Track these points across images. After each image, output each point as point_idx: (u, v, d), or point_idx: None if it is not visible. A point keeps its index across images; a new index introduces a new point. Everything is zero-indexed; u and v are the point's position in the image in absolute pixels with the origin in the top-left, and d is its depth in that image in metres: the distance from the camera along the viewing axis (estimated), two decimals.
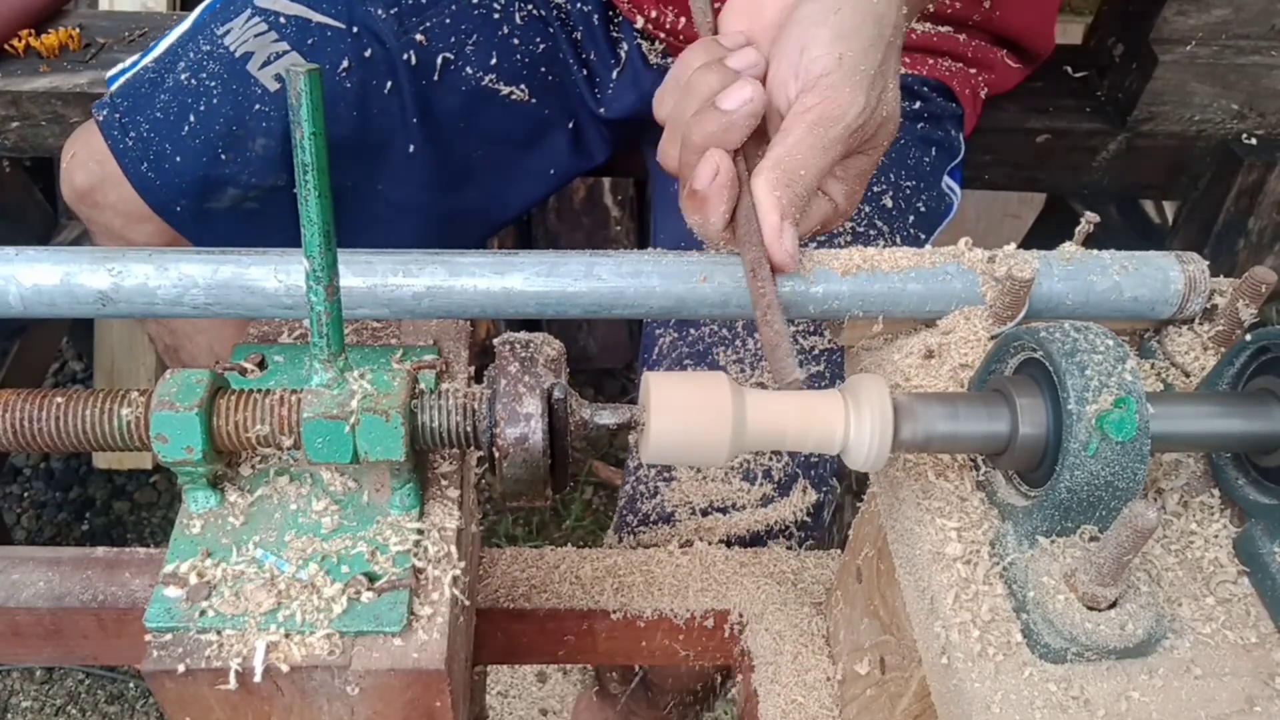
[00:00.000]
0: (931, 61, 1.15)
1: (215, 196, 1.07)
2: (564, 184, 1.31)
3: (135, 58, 1.16)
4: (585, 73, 1.20)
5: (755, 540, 0.96)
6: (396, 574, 0.57)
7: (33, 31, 1.36)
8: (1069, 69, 1.48)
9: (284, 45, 1.06)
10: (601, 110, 1.21)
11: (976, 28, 1.16)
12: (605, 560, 0.88)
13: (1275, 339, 0.57)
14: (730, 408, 0.54)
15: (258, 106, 1.04)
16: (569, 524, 2.01)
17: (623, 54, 1.19)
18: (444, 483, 0.62)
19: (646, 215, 2.17)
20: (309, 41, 1.07)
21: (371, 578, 0.56)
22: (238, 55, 1.06)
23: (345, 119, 1.08)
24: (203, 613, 0.54)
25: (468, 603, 0.69)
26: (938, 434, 0.55)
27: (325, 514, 0.59)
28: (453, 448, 0.57)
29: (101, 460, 2.02)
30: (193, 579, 0.56)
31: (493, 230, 1.32)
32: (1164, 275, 0.66)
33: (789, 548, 0.93)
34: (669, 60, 1.18)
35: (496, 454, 0.54)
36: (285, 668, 0.53)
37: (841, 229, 1.05)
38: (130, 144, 1.05)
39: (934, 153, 1.13)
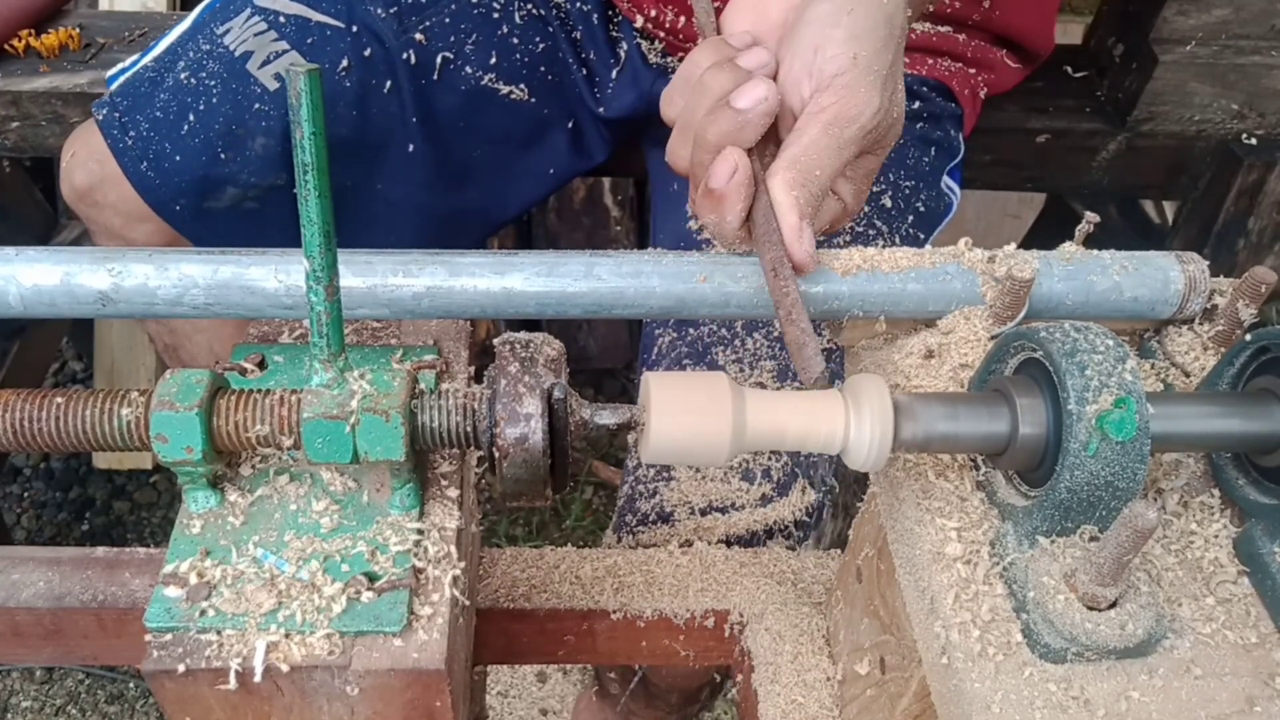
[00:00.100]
0: (931, 61, 1.15)
1: (215, 196, 1.07)
2: (564, 184, 1.31)
3: (135, 57, 1.16)
4: (585, 72, 1.20)
5: (754, 540, 0.96)
6: (396, 574, 0.57)
7: (33, 31, 1.36)
8: (1069, 69, 1.48)
9: (283, 44, 1.06)
10: (601, 110, 1.21)
11: (976, 27, 1.16)
12: (605, 560, 0.88)
13: (1275, 339, 0.57)
14: (730, 408, 0.54)
15: (257, 106, 1.04)
16: (569, 524, 2.01)
17: (622, 53, 1.19)
18: (444, 483, 0.62)
19: (646, 215, 2.17)
20: (308, 41, 1.07)
21: (371, 578, 0.56)
22: (237, 54, 1.06)
23: (345, 118, 1.08)
24: (203, 613, 0.54)
25: (468, 603, 0.69)
26: (938, 434, 0.55)
27: (325, 514, 0.59)
28: (453, 448, 0.57)
29: (101, 460, 2.02)
30: (193, 579, 0.56)
31: (492, 230, 1.32)
32: (1164, 275, 0.66)
33: (790, 548, 0.93)
34: (668, 59, 1.18)
35: (496, 454, 0.54)
36: (285, 668, 0.53)
37: (840, 229, 1.05)
38: (130, 143, 1.05)
39: (933, 153, 1.13)
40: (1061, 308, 0.66)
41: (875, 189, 1.06)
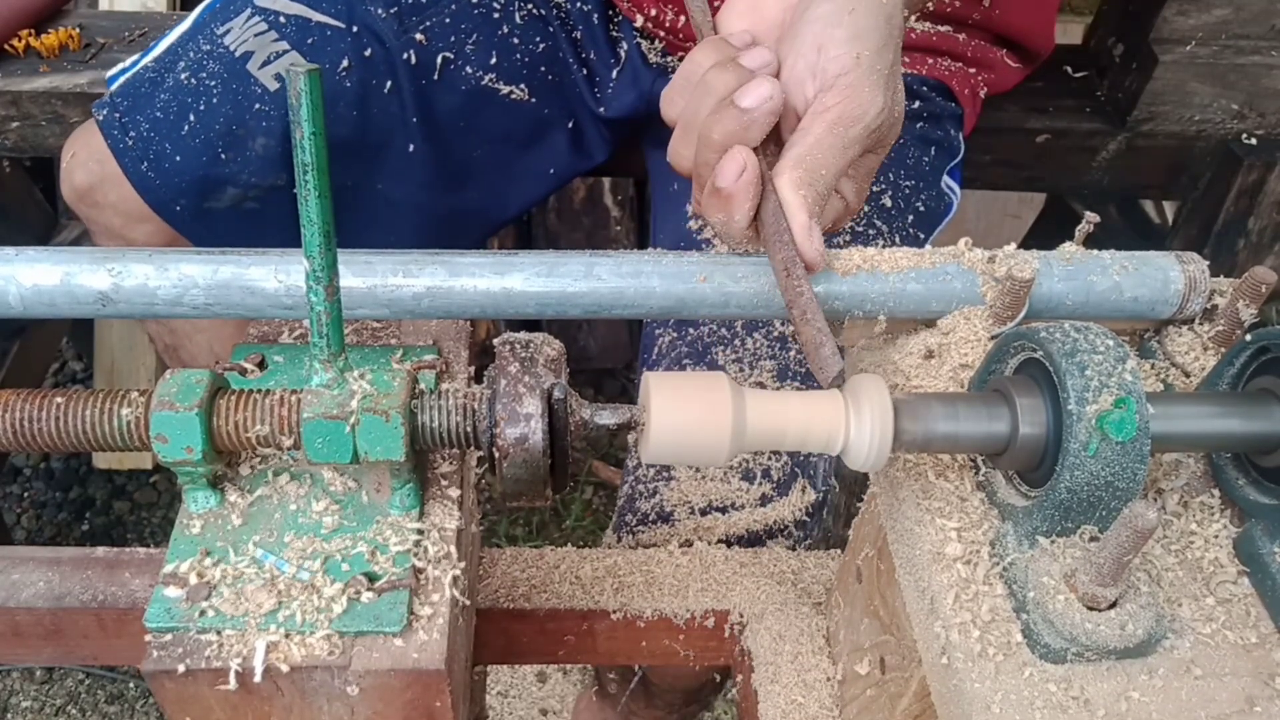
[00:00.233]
0: (931, 61, 1.15)
1: (215, 196, 1.07)
2: (564, 184, 1.31)
3: (135, 57, 1.16)
4: (585, 72, 1.20)
5: (754, 540, 0.96)
6: (396, 574, 0.57)
7: (33, 31, 1.36)
8: (1069, 69, 1.48)
9: (284, 45, 1.06)
10: (601, 110, 1.21)
11: (976, 27, 1.16)
12: (605, 560, 0.88)
13: (1275, 339, 0.57)
14: (730, 408, 0.54)
15: (258, 106, 1.04)
16: (569, 524, 2.01)
17: (622, 53, 1.19)
18: (444, 483, 0.62)
19: (646, 215, 2.17)
20: (309, 41, 1.07)
21: (371, 578, 0.56)
22: (238, 55, 1.06)
23: (345, 118, 1.08)
24: (203, 613, 0.54)
25: (468, 603, 0.69)
26: (938, 434, 0.55)
27: (325, 514, 0.59)
28: (453, 448, 0.57)
29: (101, 460, 2.02)
30: (193, 579, 0.56)
31: (493, 230, 1.32)
32: (1164, 275, 0.66)
33: (790, 547, 0.93)
34: (668, 59, 1.18)
35: (496, 454, 0.54)
36: (285, 668, 0.53)
37: (841, 228, 1.05)
38: (130, 143, 1.05)
39: (933, 152, 1.13)
40: (1061, 308, 0.66)
41: (875, 188, 1.06)
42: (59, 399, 0.56)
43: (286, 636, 0.54)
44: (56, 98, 1.31)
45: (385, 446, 0.54)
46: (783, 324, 1.01)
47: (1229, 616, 0.56)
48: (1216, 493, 0.61)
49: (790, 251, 0.62)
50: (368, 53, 1.08)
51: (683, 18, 1.12)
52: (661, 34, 1.15)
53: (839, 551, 0.89)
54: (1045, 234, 1.93)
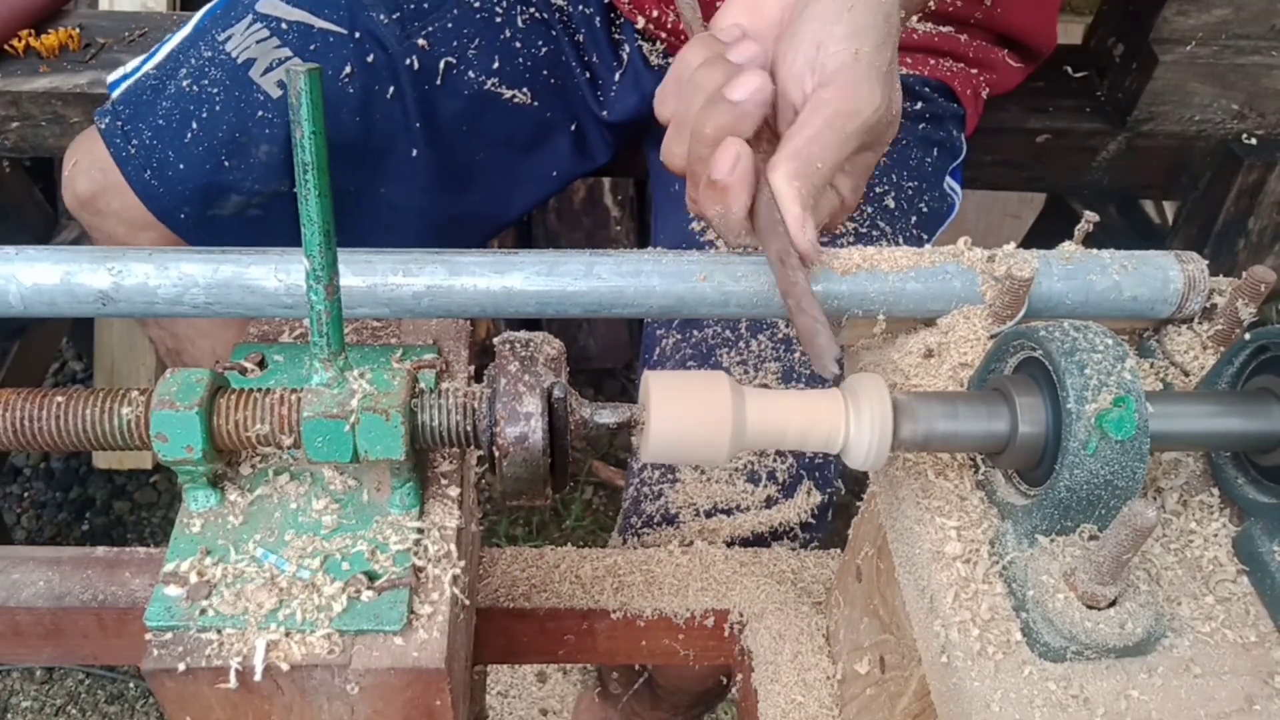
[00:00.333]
0: (933, 62, 1.15)
1: (219, 203, 1.06)
2: (566, 185, 1.31)
3: (136, 63, 1.16)
4: (588, 75, 1.20)
5: (759, 542, 0.96)
6: (397, 573, 0.57)
7: (33, 31, 1.35)
8: (1069, 69, 1.48)
9: (286, 51, 1.06)
10: (605, 113, 1.21)
11: (978, 27, 1.16)
12: (605, 560, 0.88)
13: (1274, 338, 0.57)
14: (730, 406, 0.54)
15: (261, 113, 1.04)
16: (569, 524, 2.01)
17: (625, 56, 1.19)
18: (444, 482, 0.62)
19: (646, 215, 2.17)
20: (311, 47, 1.07)
21: (372, 576, 0.56)
22: (240, 62, 1.06)
23: (348, 124, 1.08)
24: (203, 611, 0.54)
25: (468, 602, 0.69)
26: (937, 433, 0.55)
27: (325, 513, 0.59)
28: (453, 447, 0.57)
29: (101, 460, 2.02)
30: (193, 578, 0.56)
31: (495, 232, 1.32)
32: (1163, 275, 0.66)
33: (793, 549, 0.93)
34: (670, 61, 1.18)
35: (496, 453, 0.54)
36: (285, 666, 0.53)
37: (843, 229, 1.05)
38: (133, 152, 1.05)
39: (936, 153, 1.13)
40: (1061, 307, 0.66)
41: (878, 189, 1.06)
42: (59, 398, 0.56)
43: (287, 635, 0.54)
44: (56, 98, 1.31)
45: (385, 445, 0.54)
46: (787, 326, 1.01)
47: (1228, 615, 0.56)
48: (1216, 491, 0.61)
49: (784, 243, 0.62)
50: (370, 59, 1.08)
51: None
52: (663, 36, 1.16)
53: (839, 551, 0.89)
54: (1045, 234, 1.93)
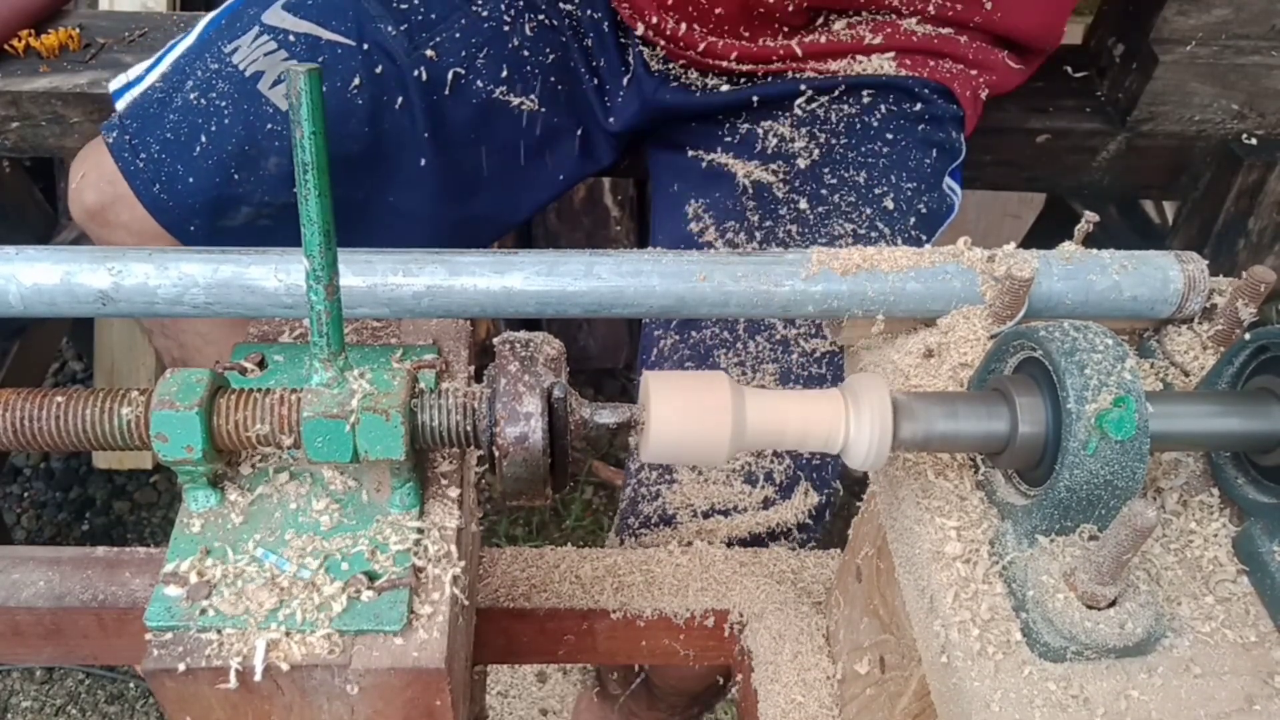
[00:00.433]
0: (932, 63, 1.15)
1: (229, 215, 1.06)
2: (571, 187, 1.31)
3: (139, 72, 1.15)
4: (595, 81, 1.20)
5: (756, 542, 0.96)
6: (397, 573, 0.57)
7: (33, 31, 1.35)
8: (1069, 69, 1.48)
9: (294, 64, 1.06)
10: (611, 120, 1.21)
11: (978, 29, 1.16)
12: (605, 560, 0.88)
13: (1274, 338, 0.57)
14: (730, 406, 0.54)
15: (269, 126, 1.04)
16: (569, 524, 2.01)
17: (630, 61, 1.19)
18: (444, 482, 0.62)
19: (646, 215, 2.17)
20: (319, 59, 1.07)
21: (372, 576, 0.56)
22: (248, 74, 1.05)
23: (357, 135, 1.08)
24: (203, 611, 0.54)
25: (467, 602, 0.69)
26: (937, 433, 0.55)
27: (325, 513, 0.59)
28: (453, 447, 0.57)
29: (101, 460, 2.02)
30: (193, 578, 0.56)
31: (501, 234, 1.32)
32: (1163, 275, 0.66)
33: (791, 549, 0.93)
34: (669, 66, 1.18)
35: (496, 453, 0.54)
36: (285, 666, 0.53)
37: (843, 230, 1.05)
38: (141, 165, 1.04)
39: (935, 154, 1.13)
40: (1061, 307, 0.66)
41: (878, 191, 1.06)
42: (59, 398, 0.56)
43: (287, 635, 0.54)
44: (56, 98, 1.30)
45: (385, 445, 0.54)
46: (785, 327, 1.01)
47: (1228, 615, 0.56)
48: (1216, 491, 0.61)
49: None
50: (379, 70, 1.08)
51: (683, 25, 1.12)
52: (662, 42, 1.15)
53: (839, 551, 0.89)
54: (1045, 234, 1.93)
